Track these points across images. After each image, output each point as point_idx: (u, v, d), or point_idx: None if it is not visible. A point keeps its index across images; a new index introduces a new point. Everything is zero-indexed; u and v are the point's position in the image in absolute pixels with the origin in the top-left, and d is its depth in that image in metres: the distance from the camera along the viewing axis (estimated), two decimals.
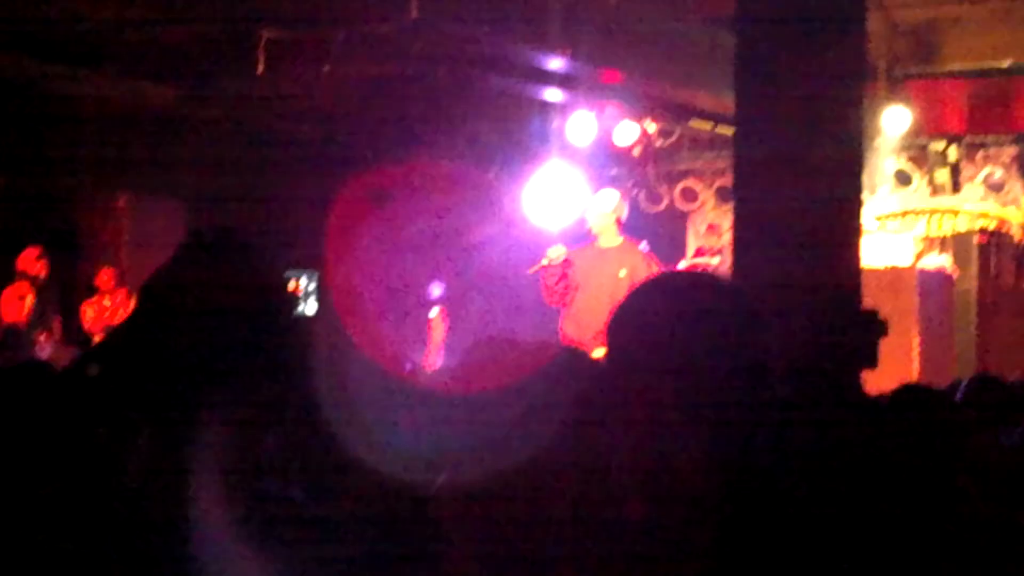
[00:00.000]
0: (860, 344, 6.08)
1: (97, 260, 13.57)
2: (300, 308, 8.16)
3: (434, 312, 13.39)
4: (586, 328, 9.93)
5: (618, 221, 10.62)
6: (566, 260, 10.39)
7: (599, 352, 8.24)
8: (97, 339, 12.39)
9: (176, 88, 14.51)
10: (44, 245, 12.88)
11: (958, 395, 6.36)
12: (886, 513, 2.49)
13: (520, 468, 2.12)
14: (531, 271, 10.41)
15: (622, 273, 10.12)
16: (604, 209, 10.62)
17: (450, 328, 13.49)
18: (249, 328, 1.90)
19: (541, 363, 2.30)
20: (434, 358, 12.84)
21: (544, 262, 10.37)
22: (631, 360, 2.03)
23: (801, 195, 6.15)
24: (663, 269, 10.25)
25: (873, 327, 6.17)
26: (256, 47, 11.48)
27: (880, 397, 3.95)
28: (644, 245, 10.88)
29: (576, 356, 2.53)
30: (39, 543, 1.84)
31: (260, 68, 11.57)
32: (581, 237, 10.90)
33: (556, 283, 10.37)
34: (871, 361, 6.11)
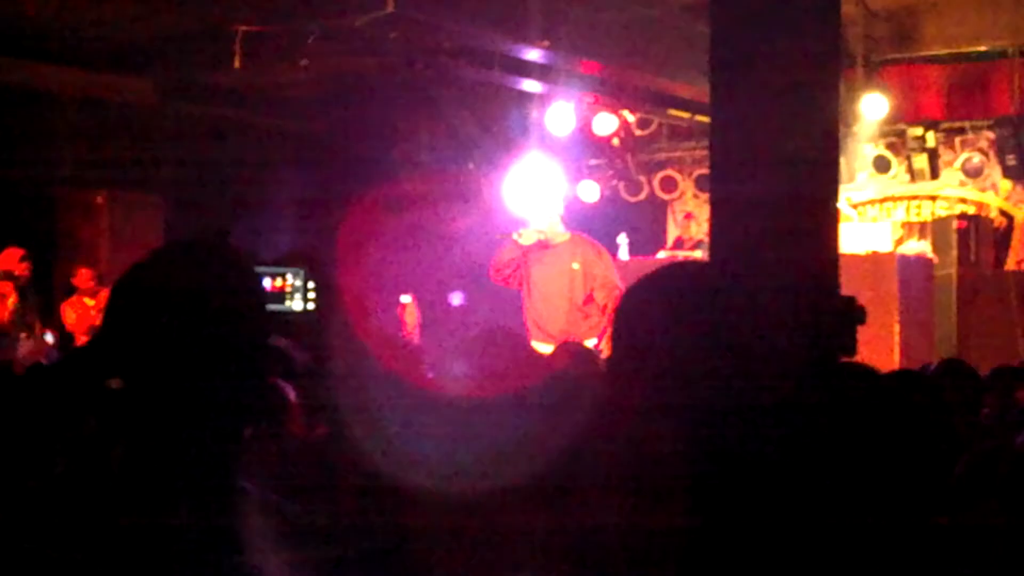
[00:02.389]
0: (839, 331, 6.09)
1: (76, 259, 13.48)
2: (287, 304, 8.10)
3: (406, 298, 13.44)
4: (547, 322, 9.81)
5: (561, 217, 10.20)
6: (524, 251, 10.06)
7: (547, 348, 8.05)
8: (81, 340, 12.32)
9: (153, 83, 14.46)
10: (24, 245, 12.79)
11: (928, 372, 6.46)
12: (871, 496, 2.49)
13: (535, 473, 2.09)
14: (513, 235, 10.02)
15: (575, 265, 9.87)
16: (545, 215, 10.20)
17: (423, 314, 13.53)
18: (222, 328, 1.89)
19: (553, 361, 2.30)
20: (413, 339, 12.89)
21: (515, 235, 10.05)
22: (634, 356, 2.03)
23: (778, 183, 6.14)
24: (611, 255, 10.18)
25: (852, 314, 6.18)
26: (233, 41, 11.44)
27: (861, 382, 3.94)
28: (622, 237, 10.85)
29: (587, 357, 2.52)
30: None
31: (237, 62, 11.53)
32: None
33: (508, 262, 10.11)
34: (850, 348, 6.12)
